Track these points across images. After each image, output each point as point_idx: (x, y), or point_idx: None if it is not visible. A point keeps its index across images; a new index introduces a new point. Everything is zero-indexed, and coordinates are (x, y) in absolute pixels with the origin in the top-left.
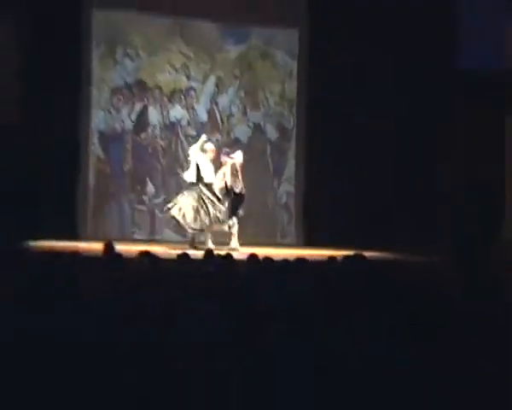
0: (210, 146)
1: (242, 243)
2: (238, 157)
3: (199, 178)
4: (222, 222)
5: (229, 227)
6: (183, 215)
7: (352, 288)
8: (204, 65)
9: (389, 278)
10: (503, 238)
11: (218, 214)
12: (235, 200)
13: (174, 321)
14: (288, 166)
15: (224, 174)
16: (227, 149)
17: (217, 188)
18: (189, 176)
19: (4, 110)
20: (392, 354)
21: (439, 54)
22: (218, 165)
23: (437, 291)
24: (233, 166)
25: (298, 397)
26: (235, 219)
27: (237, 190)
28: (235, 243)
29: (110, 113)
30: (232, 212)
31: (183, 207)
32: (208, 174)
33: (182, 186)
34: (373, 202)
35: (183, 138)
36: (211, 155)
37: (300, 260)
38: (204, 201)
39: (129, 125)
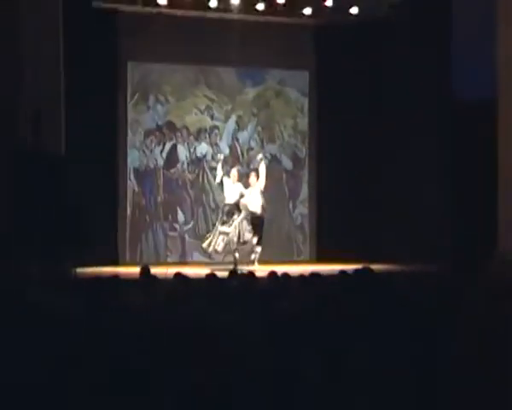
0: (234, 173)
1: (263, 261)
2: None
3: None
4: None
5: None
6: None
7: (361, 299)
8: (225, 106)
9: (395, 289)
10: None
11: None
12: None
13: (203, 331)
14: (301, 190)
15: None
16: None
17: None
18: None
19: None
20: (405, 360)
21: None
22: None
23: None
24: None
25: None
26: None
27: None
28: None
29: (144, 152)
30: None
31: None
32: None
33: (207, 213)
34: (377, 218)
35: (208, 171)
36: (235, 178)
37: (315, 276)
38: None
39: (160, 161)
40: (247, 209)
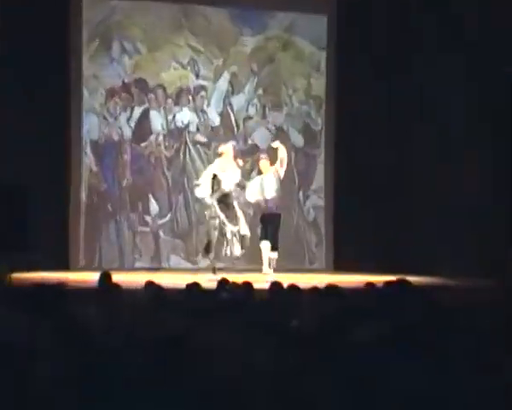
0: (224, 147)
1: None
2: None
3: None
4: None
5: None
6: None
7: (399, 317)
8: (215, 59)
9: (441, 307)
10: None
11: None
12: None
13: (183, 354)
14: (315, 176)
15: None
16: (263, 155)
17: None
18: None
19: None
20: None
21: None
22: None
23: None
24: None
25: None
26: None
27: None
28: (266, 267)
29: (105, 118)
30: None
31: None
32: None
33: (190, 203)
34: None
35: (191, 147)
36: (229, 154)
37: (333, 288)
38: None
39: (127, 132)
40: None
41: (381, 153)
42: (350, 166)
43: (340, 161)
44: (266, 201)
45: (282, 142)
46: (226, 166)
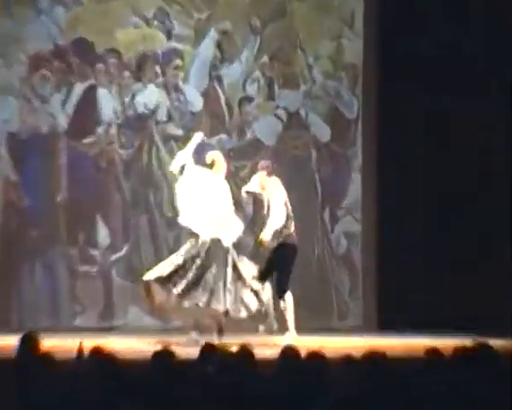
0: (216, 155)
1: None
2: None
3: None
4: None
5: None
6: None
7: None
8: (197, 12)
9: None
10: None
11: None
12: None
13: None
14: (349, 187)
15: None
16: (264, 162)
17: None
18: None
19: None
20: None
21: None
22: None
23: None
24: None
25: None
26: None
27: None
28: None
29: (29, 101)
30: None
31: None
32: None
33: (158, 228)
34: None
35: (160, 143)
36: (222, 169)
37: (375, 358)
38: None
39: (63, 122)
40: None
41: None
42: (401, 173)
43: (386, 166)
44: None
45: (294, 136)
46: (218, 186)
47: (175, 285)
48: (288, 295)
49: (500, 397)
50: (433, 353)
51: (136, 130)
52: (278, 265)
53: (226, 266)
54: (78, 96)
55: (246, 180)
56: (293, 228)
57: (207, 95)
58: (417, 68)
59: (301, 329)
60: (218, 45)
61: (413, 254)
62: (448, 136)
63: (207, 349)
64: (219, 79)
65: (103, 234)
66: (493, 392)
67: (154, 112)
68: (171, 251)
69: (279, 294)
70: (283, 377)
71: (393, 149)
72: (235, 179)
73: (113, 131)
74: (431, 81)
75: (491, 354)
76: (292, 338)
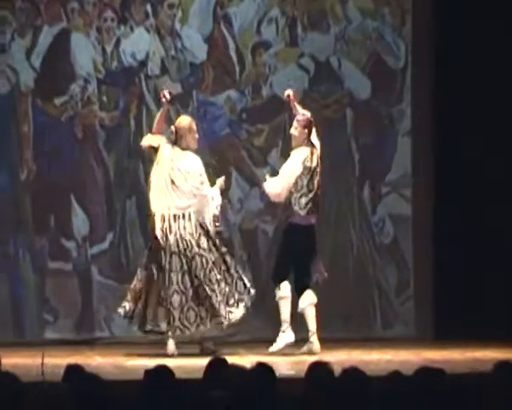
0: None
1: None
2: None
3: None
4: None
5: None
6: None
7: None
8: None
9: None
10: None
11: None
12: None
13: None
14: (395, 158)
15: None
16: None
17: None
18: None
19: None
20: None
21: None
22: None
23: None
24: None
25: None
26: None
27: None
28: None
29: None
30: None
31: None
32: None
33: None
34: None
35: (151, 103)
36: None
37: (432, 374)
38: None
39: (28, 78)
40: None
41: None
42: (464, 136)
43: (443, 128)
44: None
45: (328, 90)
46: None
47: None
48: (286, 286)
49: None
50: (505, 367)
51: (121, 87)
52: (283, 248)
53: None
54: (47, 44)
55: (261, 149)
56: (307, 208)
57: (212, 40)
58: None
59: (335, 340)
60: None
61: (479, 243)
62: None
63: (214, 366)
64: (227, 20)
65: (80, 221)
66: None
67: (143, 63)
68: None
69: (275, 279)
70: (312, 401)
71: (452, 105)
72: (248, 148)
73: (92, 88)
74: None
75: None
76: (285, 342)
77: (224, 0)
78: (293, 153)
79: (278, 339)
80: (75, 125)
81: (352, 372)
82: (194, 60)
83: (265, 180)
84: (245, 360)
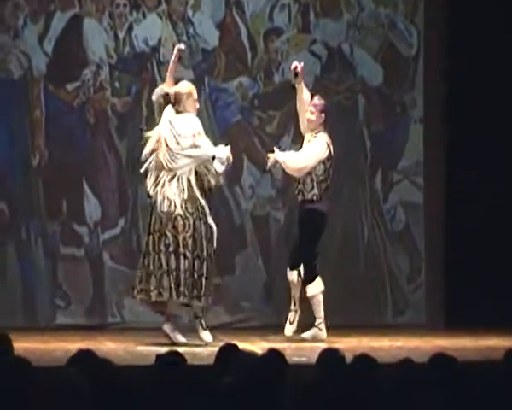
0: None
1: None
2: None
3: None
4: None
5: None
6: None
7: None
8: None
9: None
10: None
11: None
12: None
13: None
14: (407, 145)
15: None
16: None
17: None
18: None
19: None
20: None
21: None
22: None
23: None
24: None
25: None
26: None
27: None
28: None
29: None
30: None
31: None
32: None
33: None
34: None
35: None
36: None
37: (445, 361)
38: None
39: (40, 63)
40: None
41: None
42: (476, 124)
43: (455, 116)
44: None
45: (340, 77)
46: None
47: None
48: (319, 282)
49: None
50: None
51: (133, 73)
52: (305, 238)
53: None
54: (59, 30)
55: (273, 135)
56: (326, 194)
57: (224, 27)
58: None
59: (347, 327)
60: None
61: (492, 232)
62: None
63: (226, 352)
64: (239, 7)
65: (92, 206)
66: None
67: (156, 49)
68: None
69: (307, 276)
70: (324, 388)
71: (465, 93)
72: (260, 135)
73: (105, 74)
74: None
75: None
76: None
77: None
78: (317, 136)
79: (311, 331)
80: (87, 110)
81: (363, 359)
82: (206, 46)
83: (275, 152)
84: (256, 346)
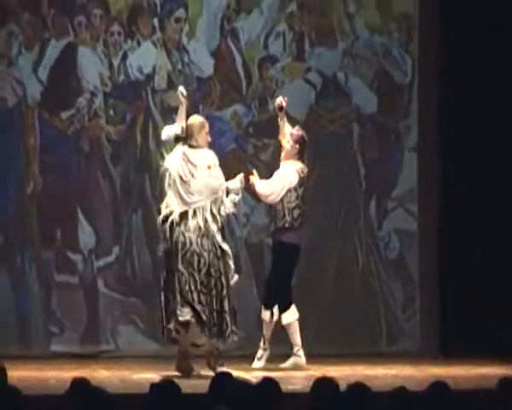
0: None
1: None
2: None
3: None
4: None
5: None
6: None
7: None
8: None
9: None
10: None
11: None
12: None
13: None
14: (402, 173)
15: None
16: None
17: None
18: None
19: None
20: None
21: None
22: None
23: None
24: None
25: None
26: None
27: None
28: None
29: None
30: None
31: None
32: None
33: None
34: None
35: (158, 117)
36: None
37: (438, 391)
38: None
39: (35, 91)
40: None
41: None
42: (470, 153)
43: (449, 145)
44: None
45: (334, 105)
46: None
47: None
48: (294, 310)
49: None
50: (510, 383)
51: (127, 101)
52: (277, 272)
53: None
54: (54, 58)
55: (268, 163)
56: (298, 221)
57: (219, 55)
58: (490, 16)
59: (341, 355)
60: None
61: (485, 260)
62: None
63: (220, 381)
64: (234, 34)
65: (86, 234)
66: None
67: (150, 77)
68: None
69: (284, 305)
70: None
71: (459, 121)
72: (255, 162)
73: (99, 102)
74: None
75: None
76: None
77: (231, 14)
78: (285, 163)
79: (290, 360)
80: (82, 138)
81: (358, 388)
82: (200, 74)
83: (254, 175)
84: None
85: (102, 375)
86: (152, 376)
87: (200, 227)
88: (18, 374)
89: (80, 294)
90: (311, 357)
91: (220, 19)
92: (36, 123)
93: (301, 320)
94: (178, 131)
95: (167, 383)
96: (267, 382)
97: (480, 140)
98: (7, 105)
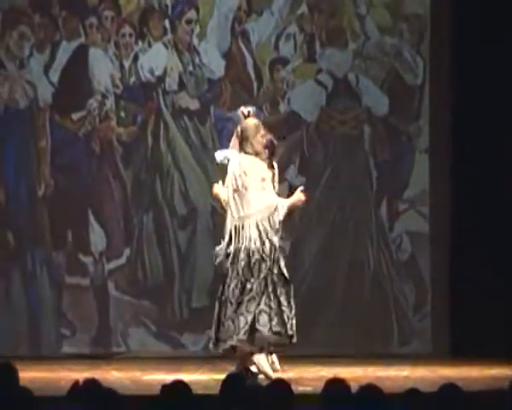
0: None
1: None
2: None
3: None
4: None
5: None
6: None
7: None
8: None
9: None
10: None
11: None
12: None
13: None
14: (413, 174)
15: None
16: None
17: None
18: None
19: None
20: None
21: None
22: None
23: None
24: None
25: None
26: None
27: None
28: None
29: (3, 66)
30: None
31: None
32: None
33: (169, 228)
34: None
35: (169, 119)
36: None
37: (450, 393)
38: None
39: (46, 93)
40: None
41: None
42: (482, 154)
43: (461, 146)
44: None
45: (345, 107)
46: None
47: None
48: None
49: None
50: None
51: (139, 102)
52: None
53: None
54: (65, 60)
55: (279, 166)
56: None
57: (230, 56)
58: (502, 17)
59: (353, 356)
60: None
61: (496, 261)
62: None
63: (232, 383)
64: (245, 36)
65: (97, 236)
66: None
67: (161, 79)
68: (183, 257)
69: None
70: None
71: (470, 123)
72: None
73: (110, 104)
74: None
75: None
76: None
77: (241, 16)
78: None
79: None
80: (93, 140)
81: (369, 389)
82: (211, 75)
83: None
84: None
85: (113, 376)
86: (163, 377)
87: (259, 235)
88: (29, 375)
89: (91, 296)
90: (323, 358)
91: (231, 20)
92: (47, 125)
93: (312, 322)
94: (223, 198)
95: (178, 384)
96: (278, 383)
97: (491, 142)
98: (18, 107)
